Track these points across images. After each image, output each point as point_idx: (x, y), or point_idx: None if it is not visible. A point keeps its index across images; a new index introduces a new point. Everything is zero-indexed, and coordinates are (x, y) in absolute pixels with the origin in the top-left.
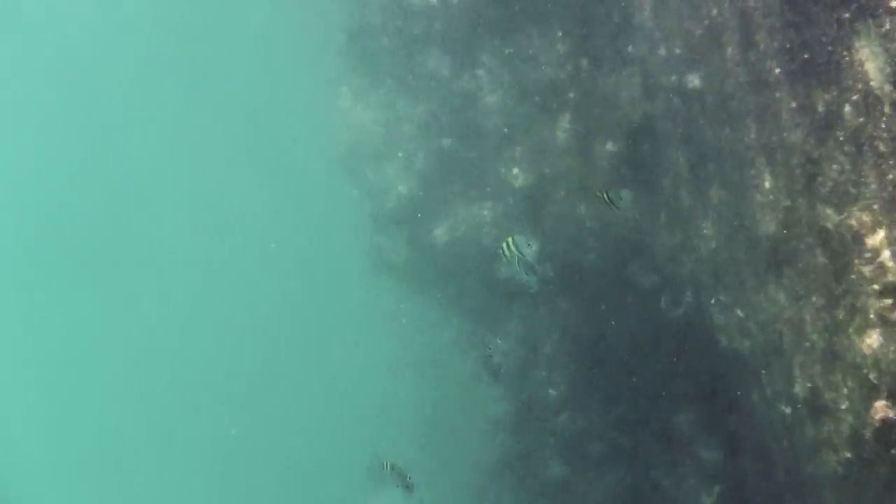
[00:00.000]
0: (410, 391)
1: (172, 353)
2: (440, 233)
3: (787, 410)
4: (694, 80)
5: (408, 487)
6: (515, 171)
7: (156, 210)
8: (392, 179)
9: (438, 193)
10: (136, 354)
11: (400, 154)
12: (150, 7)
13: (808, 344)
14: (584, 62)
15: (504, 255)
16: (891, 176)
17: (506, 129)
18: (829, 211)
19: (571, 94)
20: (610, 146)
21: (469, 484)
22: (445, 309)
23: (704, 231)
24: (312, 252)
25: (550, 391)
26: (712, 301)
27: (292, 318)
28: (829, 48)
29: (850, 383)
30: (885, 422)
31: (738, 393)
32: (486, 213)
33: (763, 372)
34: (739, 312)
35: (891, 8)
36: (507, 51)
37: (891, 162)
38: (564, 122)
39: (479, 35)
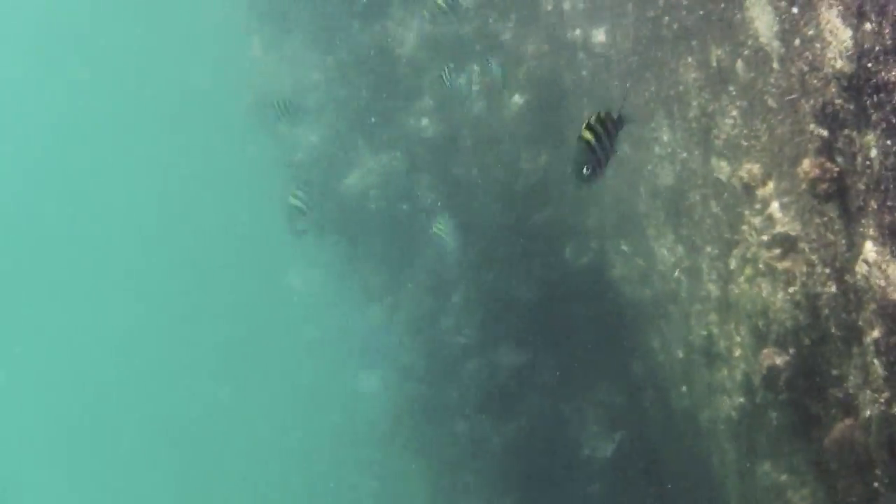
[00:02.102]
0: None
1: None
2: (350, 182)
3: (684, 357)
4: (599, 35)
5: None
6: (425, 121)
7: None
8: (302, 129)
9: (350, 143)
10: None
11: (310, 103)
12: None
13: (703, 293)
14: (492, 15)
15: (437, 233)
16: (780, 130)
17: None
18: (723, 163)
19: (478, 47)
20: (517, 98)
21: (379, 430)
22: (352, 260)
23: (607, 182)
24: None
25: (459, 339)
26: (615, 251)
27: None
28: (723, 5)
29: (742, 331)
30: (772, 368)
31: (639, 340)
32: (395, 163)
33: (662, 320)
34: (640, 262)
35: None
36: (416, 2)
37: (780, 117)
38: (473, 74)
39: None
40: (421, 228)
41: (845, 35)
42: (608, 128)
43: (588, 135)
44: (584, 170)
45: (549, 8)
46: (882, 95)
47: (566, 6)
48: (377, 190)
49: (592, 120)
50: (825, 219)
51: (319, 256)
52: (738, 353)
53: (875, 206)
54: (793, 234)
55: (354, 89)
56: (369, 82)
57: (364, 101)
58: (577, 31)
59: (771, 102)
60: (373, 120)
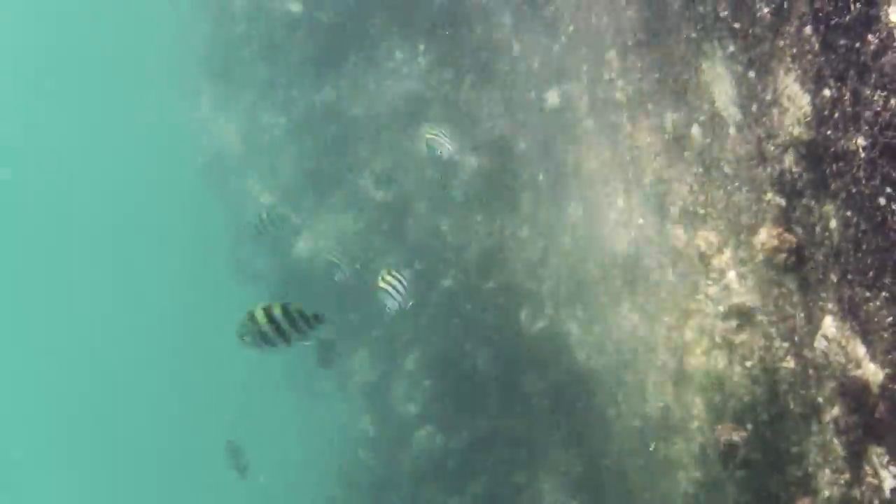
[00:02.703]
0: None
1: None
2: (302, 245)
3: (641, 427)
4: (553, 97)
5: (243, 468)
6: (374, 183)
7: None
8: (254, 190)
9: (300, 205)
10: None
11: (262, 165)
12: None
13: (660, 363)
14: (447, 76)
15: (382, 287)
16: (736, 198)
17: (369, 144)
18: (679, 231)
19: (433, 109)
20: (472, 161)
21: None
22: None
23: (564, 247)
24: (176, 263)
25: (410, 406)
26: (571, 317)
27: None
28: (678, 68)
29: (698, 404)
30: (729, 444)
31: (595, 408)
32: (347, 226)
33: (618, 389)
34: (596, 329)
35: (734, 30)
36: (369, 63)
37: (736, 184)
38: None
39: (342, 47)
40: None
41: (804, 101)
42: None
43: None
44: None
45: (506, 69)
46: (842, 164)
47: (521, 67)
48: (328, 253)
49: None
50: (783, 290)
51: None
52: (694, 425)
53: (834, 280)
54: (750, 305)
55: (306, 150)
56: (321, 143)
57: (316, 163)
58: (532, 94)
59: (727, 169)
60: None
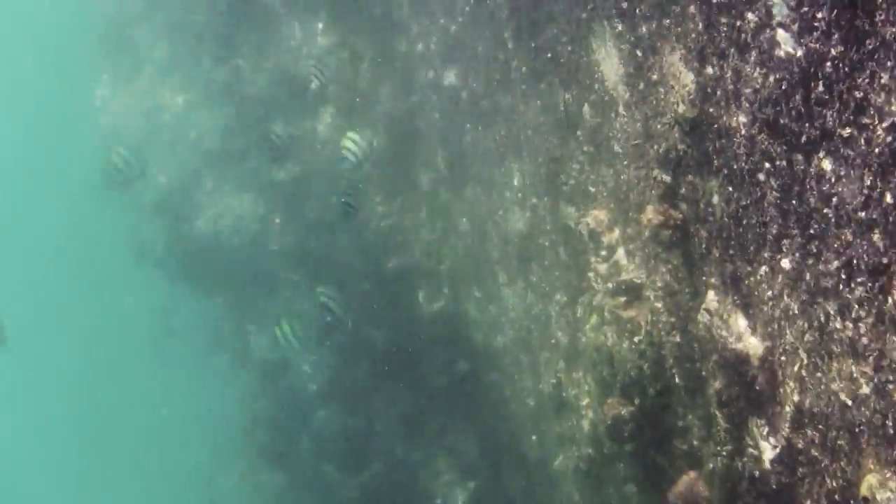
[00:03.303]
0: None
1: None
2: (202, 223)
3: (535, 405)
4: (450, 77)
5: None
6: (277, 163)
7: None
8: (152, 170)
9: (200, 184)
10: None
11: (161, 143)
12: None
13: (553, 341)
14: (346, 56)
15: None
16: (625, 176)
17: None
18: (571, 209)
19: (332, 88)
20: (371, 141)
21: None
22: (204, 298)
23: (461, 227)
24: (75, 244)
25: (309, 386)
26: (468, 296)
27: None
28: (570, 48)
29: (588, 380)
30: (617, 419)
31: (491, 387)
32: (247, 205)
33: (514, 367)
34: (492, 308)
35: (622, 10)
36: (269, 42)
37: (625, 162)
38: (326, 115)
39: (242, 26)
40: (273, 273)
41: (688, 79)
42: None
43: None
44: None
45: (403, 49)
46: (724, 141)
47: (419, 47)
48: (228, 233)
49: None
50: (669, 266)
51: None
52: (585, 402)
53: (717, 255)
54: (638, 281)
55: (206, 129)
56: (221, 121)
57: (216, 140)
58: (430, 74)
59: (617, 148)
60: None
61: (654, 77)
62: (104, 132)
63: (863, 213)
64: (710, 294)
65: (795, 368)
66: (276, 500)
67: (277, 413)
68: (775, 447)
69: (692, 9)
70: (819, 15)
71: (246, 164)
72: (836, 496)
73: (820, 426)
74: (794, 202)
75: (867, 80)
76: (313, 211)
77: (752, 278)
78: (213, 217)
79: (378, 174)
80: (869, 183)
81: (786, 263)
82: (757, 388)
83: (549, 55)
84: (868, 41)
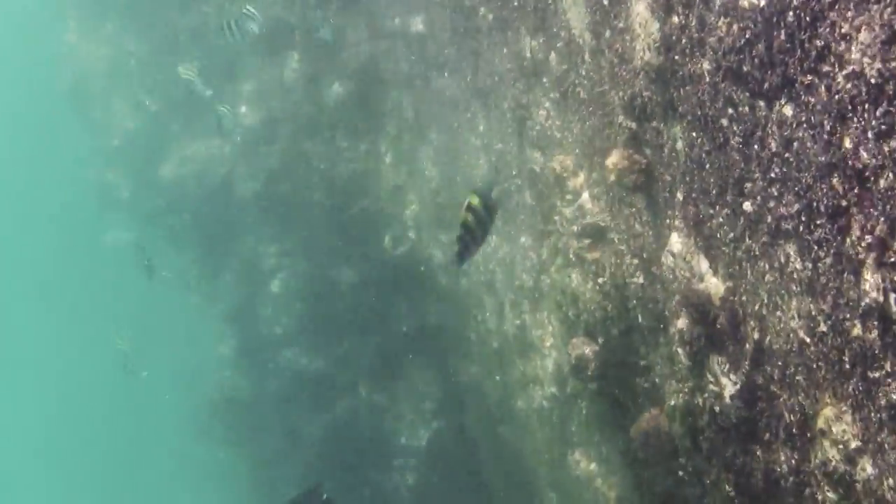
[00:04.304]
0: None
1: None
2: (168, 169)
3: (499, 347)
4: (417, 25)
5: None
6: (244, 109)
7: None
8: (119, 116)
9: (166, 130)
10: None
11: (127, 90)
12: None
13: (518, 283)
14: (312, 2)
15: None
16: (590, 122)
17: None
18: (537, 154)
19: (298, 34)
20: (337, 87)
21: (196, 421)
22: (173, 242)
23: (426, 172)
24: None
25: (275, 329)
26: (433, 240)
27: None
28: None
29: (553, 321)
30: (581, 358)
31: (456, 330)
32: (213, 150)
33: (478, 310)
34: None
35: None
36: None
37: (590, 108)
38: (293, 62)
39: None
40: (238, 217)
41: (653, 27)
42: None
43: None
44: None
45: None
46: (688, 87)
47: None
48: (194, 179)
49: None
50: (633, 210)
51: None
52: (549, 342)
53: (681, 198)
54: (602, 224)
55: (172, 75)
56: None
57: (181, 88)
58: (397, 21)
59: (583, 94)
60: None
61: (620, 25)
62: (71, 76)
63: (823, 158)
64: (674, 236)
65: (756, 308)
66: (242, 442)
67: (243, 355)
68: (736, 383)
69: None
70: None
71: (211, 110)
72: (794, 429)
73: (779, 363)
74: (756, 147)
75: (828, 30)
76: (279, 155)
77: (714, 221)
78: (178, 162)
79: (344, 119)
80: (829, 128)
81: (747, 206)
82: (718, 327)
83: (517, 3)
84: None
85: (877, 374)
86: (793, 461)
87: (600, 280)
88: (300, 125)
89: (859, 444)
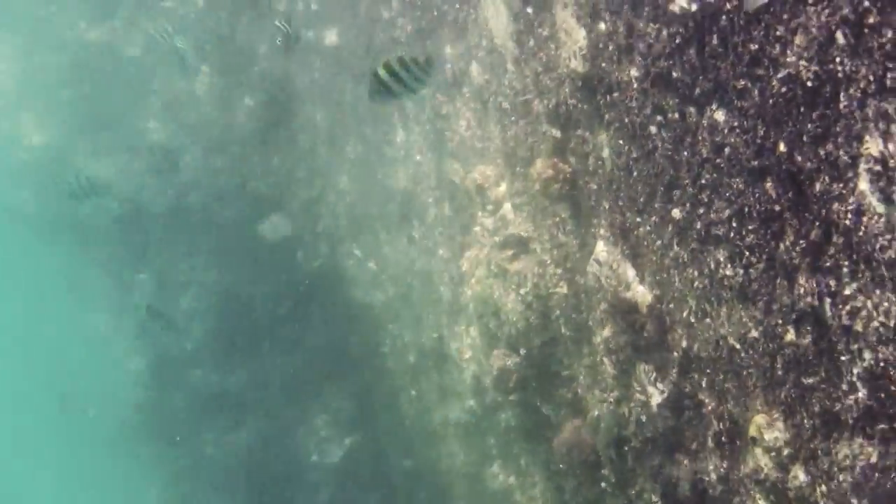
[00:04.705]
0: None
1: None
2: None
3: (416, 361)
4: (331, 37)
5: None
6: (152, 123)
7: None
8: (26, 130)
9: (75, 145)
10: None
11: (36, 106)
12: None
13: (435, 296)
14: (223, 14)
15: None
16: (513, 131)
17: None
18: (456, 165)
19: (209, 47)
20: (248, 100)
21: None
22: (79, 257)
23: (341, 186)
24: None
25: (186, 345)
26: (347, 254)
27: None
28: (458, 5)
29: (473, 333)
30: (503, 370)
31: (370, 344)
32: (122, 165)
33: (393, 324)
34: (373, 265)
35: None
36: (143, 4)
37: (513, 118)
38: (203, 74)
39: None
40: (150, 231)
41: (580, 35)
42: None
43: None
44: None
45: (282, 8)
46: (615, 95)
47: (299, 6)
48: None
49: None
50: (557, 219)
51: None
52: (468, 355)
53: (607, 206)
54: (525, 235)
55: (82, 90)
56: (97, 83)
57: (90, 103)
58: (311, 33)
59: (505, 104)
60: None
61: (545, 33)
62: None
63: (756, 163)
64: (600, 245)
65: (684, 315)
66: (151, 459)
67: (153, 371)
68: (663, 392)
69: None
70: None
71: (122, 124)
72: (723, 437)
73: (707, 370)
74: (686, 153)
75: (763, 33)
76: (189, 171)
77: (641, 229)
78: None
79: (256, 133)
80: (763, 133)
81: (676, 213)
82: (645, 335)
83: (436, 13)
84: None
85: (811, 380)
86: (722, 470)
87: (522, 291)
88: (211, 139)
89: (791, 450)
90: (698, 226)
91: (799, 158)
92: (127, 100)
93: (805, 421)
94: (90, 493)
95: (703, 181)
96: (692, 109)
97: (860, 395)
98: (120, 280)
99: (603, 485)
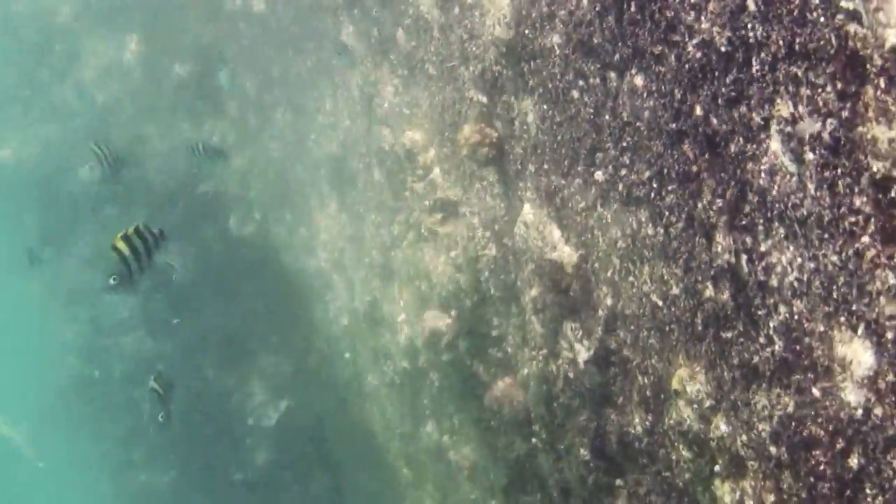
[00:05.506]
0: None
1: None
2: (5, 154)
3: (349, 324)
4: (259, 4)
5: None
6: (83, 92)
7: None
8: None
9: (6, 114)
10: None
11: None
12: None
13: (367, 260)
14: None
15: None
16: (440, 97)
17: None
18: (386, 131)
19: (137, 14)
20: (178, 68)
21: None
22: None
23: (272, 153)
24: None
25: (122, 312)
26: (279, 220)
27: None
28: None
29: (405, 295)
30: (435, 331)
31: (304, 309)
32: (53, 134)
33: (326, 289)
34: (304, 231)
35: None
36: None
37: (440, 84)
38: (132, 43)
39: None
40: (81, 200)
41: (504, 2)
42: (147, 240)
43: (122, 245)
44: (112, 280)
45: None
46: (539, 61)
47: None
48: (34, 162)
49: (130, 231)
50: (485, 183)
51: None
52: (401, 317)
53: (533, 170)
54: (454, 198)
55: (8, 58)
56: (24, 51)
57: (18, 71)
58: (238, 1)
59: (432, 70)
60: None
61: (469, 0)
62: None
63: (674, 125)
64: (526, 207)
65: (609, 274)
66: (89, 427)
67: (88, 340)
68: (589, 349)
69: None
70: None
71: (50, 94)
72: (648, 391)
73: (632, 327)
74: (607, 117)
75: (678, 0)
76: (120, 138)
77: (566, 191)
78: (18, 145)
79: (186, 101)
80: (679, 97)
81: (599, 175)
82: (571, 294)
83: None
84: None
85: (729, 334)
86: (647, 422)
87: (452, 254)
88: (140, 107)
89: (713, 402)
90: (620, 187)
91: (714, 121)
92: (55, 67)
93: (725, 373)
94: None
95: (624, 144)
96: (613, 75)
97: (776, 347)
98: (52, 249)
99: (533, 440)
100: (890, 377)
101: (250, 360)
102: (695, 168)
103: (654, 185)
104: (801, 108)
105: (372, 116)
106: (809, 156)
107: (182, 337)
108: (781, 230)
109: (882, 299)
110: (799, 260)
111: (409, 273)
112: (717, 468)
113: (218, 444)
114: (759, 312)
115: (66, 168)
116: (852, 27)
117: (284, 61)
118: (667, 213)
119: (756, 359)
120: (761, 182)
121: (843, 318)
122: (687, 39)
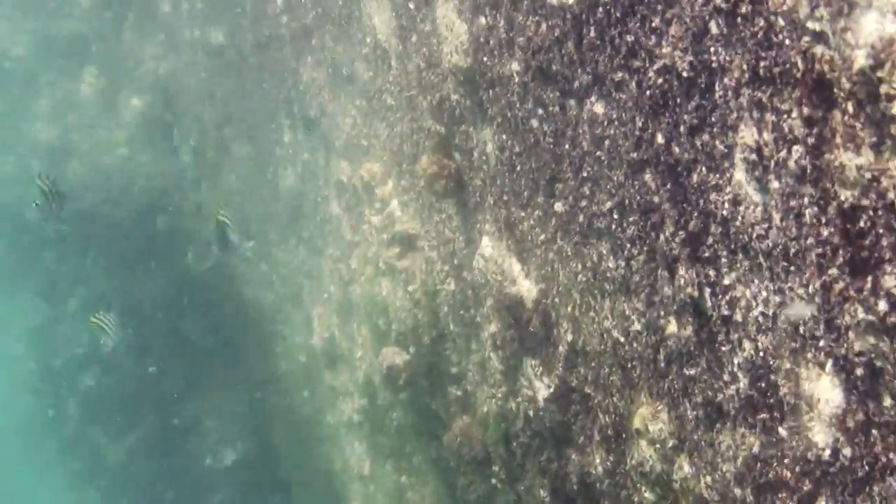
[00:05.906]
0: None
1: None
2: None
3: (307, 361)
4: (217, 36)
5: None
6: (39, 125)
7: None
8: None
9: None
10: None
11: None
12: None
13: (326, 295)
14: (109, 15)
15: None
16: (398, 128)
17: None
18: (344, 164)
19: (95, 48)
20: (135, 101)
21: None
22: None
23: (230, 185)
24: None
25: (74, 348)
26: (238, 254)
27: None
28: (340, 2)
29: (363, 331)
30: (392, 368)
31: (262, 346)
32: (8, 168)
33: (285, 325)
34: (263, 266)
35: None
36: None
37: (398, 114)
38: (90, 76)
39: None
40: (37, 233)
41: (461, 30)
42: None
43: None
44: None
45: (167, 9)
46: (498, 89)
47: (185, 6)
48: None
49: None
50: (444, 216)
51: None
52: (359, 354)
53: (492, 201)
54: (412, 232)
55: None
56: None
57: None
58: (197, 32)
59: (390, 100)
60: None
61: (427, 28)
62: None
63: (635, 154)
64: (485, 240)
65: (569, 309)
66: (47, 464)
67: (43, 376)
68: (549, 386)
69: None
70: None
71: (7, 127)
72: (609, 431)
73: (593, 364)
74: (567, 146)
75: (638, 24)
76: (78, 172)
77: (525, 223)
78: None
79: (143, 135)
80: (640, 124)
81: (559, 207)
82: (531, 329)
83: (320, 10)
84: None
85: (693, 371)
86: (608, 463)
87: (410, 288)
88: (97, 140)
89: (676, 442)
90: (581, 219)
91: (676, 149)
92: (11, 101)
93: (688, 412)
94: None
95: (584, 174)
96: (572, 102)
97: (741, 384)
98: (7, 283)
99: (493, 481)
100: (859, 416)
101: (206, 397)
102: (656, 199)
103: (615, 217)
104: (765, 135)
105: (330, 148)
106: (775, 185)
107: (140, 373)
108: (746, 262)
109: (851, 334)
110: (764, 294)
111: (367, 308)
112: None
113: (173, 483)
114: (724, 348)
115: (21, 203)
116: (819, 49)
117: (243, 93)
118: (628, 246)
119: (720, 396)
120: (724, 213)
121: (810, 355)
122: (648, 65)
